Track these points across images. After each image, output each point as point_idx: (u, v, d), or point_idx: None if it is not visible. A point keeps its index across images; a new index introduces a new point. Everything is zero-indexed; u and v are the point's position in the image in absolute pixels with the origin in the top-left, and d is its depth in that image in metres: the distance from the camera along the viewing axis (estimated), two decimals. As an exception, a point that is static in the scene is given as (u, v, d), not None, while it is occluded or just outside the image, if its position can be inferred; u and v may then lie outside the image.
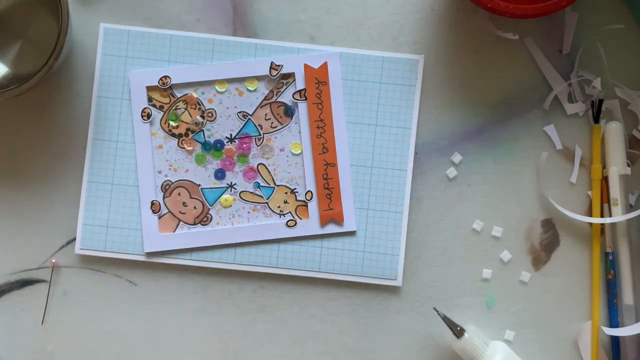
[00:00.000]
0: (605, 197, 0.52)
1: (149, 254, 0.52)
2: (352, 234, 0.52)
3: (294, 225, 0.52)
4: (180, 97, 0.52)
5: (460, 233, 0.53)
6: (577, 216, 0.52)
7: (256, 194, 0.53)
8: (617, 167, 0.51)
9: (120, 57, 0.52)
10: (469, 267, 0.53)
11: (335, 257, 0.52)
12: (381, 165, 0.52)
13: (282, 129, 0.53)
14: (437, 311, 0.50)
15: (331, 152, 0.52)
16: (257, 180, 0.53)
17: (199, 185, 0.53)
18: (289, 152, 0.53)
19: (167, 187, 0.53)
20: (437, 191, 0.53)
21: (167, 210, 0.53)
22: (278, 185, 0.53)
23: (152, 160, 0.52)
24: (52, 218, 0.53)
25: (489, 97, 0.53)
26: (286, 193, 0.53)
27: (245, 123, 0.53)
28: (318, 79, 0.52)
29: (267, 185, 0.53)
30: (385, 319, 0.53)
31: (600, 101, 0.52)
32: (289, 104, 0.53)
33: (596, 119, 0.52)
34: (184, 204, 0.53)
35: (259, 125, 0.53)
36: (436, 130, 0.53)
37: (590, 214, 0.53)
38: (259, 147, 0.53)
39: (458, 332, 0.50)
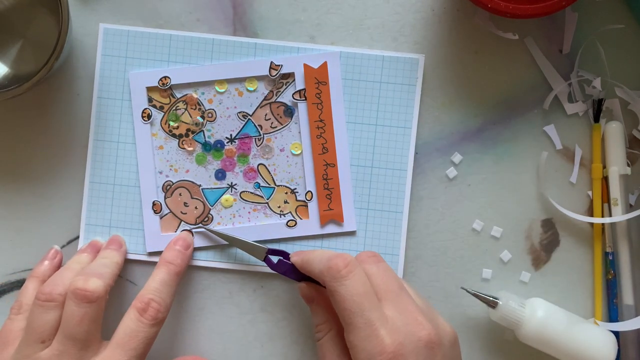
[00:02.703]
0: (605, 197, 0.52)
1: (151, 254, 0.52)
2: (352, 234, 0.53)
3: (294, 225, 0.52)
4: (180, 97, 0.52)
5: (460, 233, 0.53)
6: (577, 216, 0.52)
7: (256, 194, 0.53)
8: (617, 167, 0.52)
9: (120, 58, 0.52)
10: (469, 267, 0.53)
11: (336, 257, 0.52)
12: (381, 165, 0.52)
13: (282, 129, 0.53)
14: (467, 290, 0.51)
15: (331, 152, 0.52)
16: (257, 181, 0.53)
17: (199, 185, 0.53)
18: (289, 152, 0.53)
19: (168, 187, 0.53)
20: (437, 191, 0.53)
21: (169, 211, 0.53)
22: (278, 186, 0.53)
23: (152, 160, 0.52)
24: (52, 218, 0.53)
25: (489, 97, 0.53)
26: (286, 193, 0.53)
27: (245, 123, 0.53)
28: (318, 78, 0.52)
29: (267, 185, 0.53)
30: (386, 319, 0.53)
31: (601, 100, 0.52)
32: (289, 104, 0.53)
33: (596, 118, 0.53)
34: (185, 204, 0.53)
35: (259, 125, 0.53)
36: (436, 130, 0.53)
37: (590, 214, 0.53)
38: (259, 148, 0.53)
39: (492, 302, 0.50)
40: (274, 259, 0.50)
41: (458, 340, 0.45)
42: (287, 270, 0.50)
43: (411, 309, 0.43)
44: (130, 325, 0.45)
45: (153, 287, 0.47)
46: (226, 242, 0.52)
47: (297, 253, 0.49)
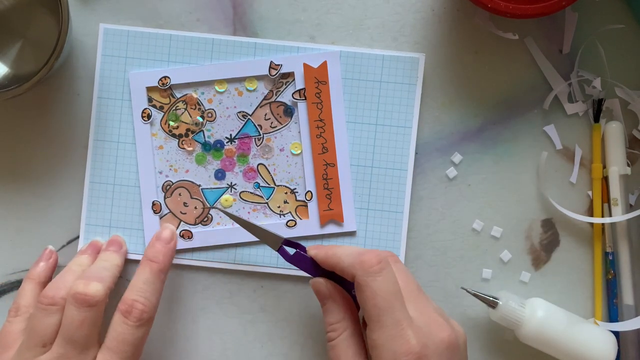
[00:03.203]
0: (605, 197, 0.52)
1: (150, 254, 0.52)
2: (352, 234, 0.53)
3: (294, 225, 0.52)
4: (180, 97, 0.52)
5: (460, 233, 0.53)
6: (577, 216, 0.52)
7: (256, 194, 0.53)
8: (617, 167, 0.51)
9: (120, 58, 0.52)
10: (469, 267, 0.53)
11: (335, 257, 0.52)
12: (381, 165, 0.52)
13: (281, 129, 0.53)
14: (467, 290, 0.50)
15: (331, 152, 0.52)
16: (257, 181, 0.53)
17: (199, 185, 0.53)
18: (289, 152, 0.53)
19: (168, 187, 0.53)
20: (437, 191, 0.53)
21: (168, 211, 0.53)
22: (278, 186, 0.53)
23: (152, 160, 0.52)
24: (52, 218, 0.53)
25: (489, 97, 0.53)
26: (286, 193, 0.53)
27: (245, 123, 0.53)
28: (317, 78, 0.52)
29: (267, 185, 0.53)
30: (385, 319, 0.53)
31: (601, 100, 0.52)
32: (289, 103, 0.53)
33: (596, 118, 0.52)
34: (185, 204, 0.53)
35: (258, 125, 0.53)
36: (436, 130, 0.53)
37: (590, 214, 0.53)
38: (258, 147, 0.53)
39: (492, 302, 0.50)
40: (290, 250, 0.49)
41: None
42: (304, 263, 0.48)
43: (430, 309, 0.43)
44: (117, 329, 0.45)
45: (137, 287, 0.47)
46: (227, 242, 0.52)
47: (316, 247, 0.48)
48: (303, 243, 0.53)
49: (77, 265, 0.49)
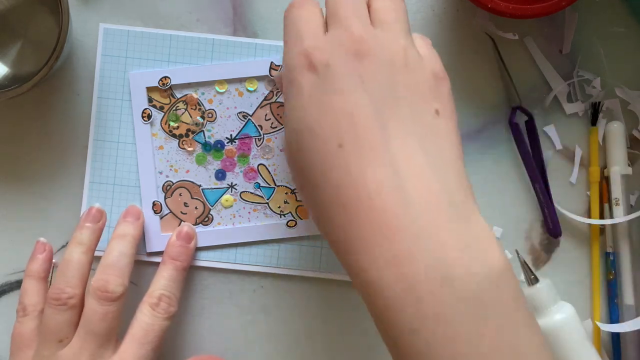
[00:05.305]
0: (605, 197, 0.52)
1: (151, 254, 0.52)
2: (352, 234, 0.52)
3: (294, 225, 0.52)
4: (181, 97, 0.52)
5: (460, 233, 0.53)
6: (576, 217, 0.52)
7: (257, 195, 0.53)
8: (618, 167, 0.51)
9: (120, 58, 0.52)
10: (469, 267, 0.53)
11: (335, 257, 0.52)
12: (381, 165, 0.52)
13: (282, 130, 0.53)
14: (518, 254, 0.51)
15: (331, 152, 0.52)
16: (257, 181, 0.53)
17: (199, 185, 0.53)
18: (289, 153, 0.53)
19: (168, 187, 0.53)
20: (437, 191, 0.53)
21: (169, 211, 0.53)
22: (278, 186, 0.53)
23: (153, 161, 0.52)
24: (52, 218, 0.53)
25: (489, 97, 0.53)
26: (286, 193, 0.53)
27: (246, 123, 0.53)
28: (318, 78, 0.52)
29: (268, 185, 0.53)
30: (386, 319, 0.53)
31: (598, 104, 0.52)
32: (289, 104, 0.53)
33: (593, 122, 0.52)
34: (185, 204, 0.53)
35: (259, 125, 0.53)
36: (436, 130, 0.53)
37: (590, 215, 0.53)
38: (259, 148, 0.53)
39: (532, 279, 0.50)
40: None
41: None
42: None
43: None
44: (146, 320, 0.47)
45: (162, 283, 0.49)
46: (227, 242, 0.52)
47: None
48: (303, 243, 0.53)
49: (78, 252, 0.48)
